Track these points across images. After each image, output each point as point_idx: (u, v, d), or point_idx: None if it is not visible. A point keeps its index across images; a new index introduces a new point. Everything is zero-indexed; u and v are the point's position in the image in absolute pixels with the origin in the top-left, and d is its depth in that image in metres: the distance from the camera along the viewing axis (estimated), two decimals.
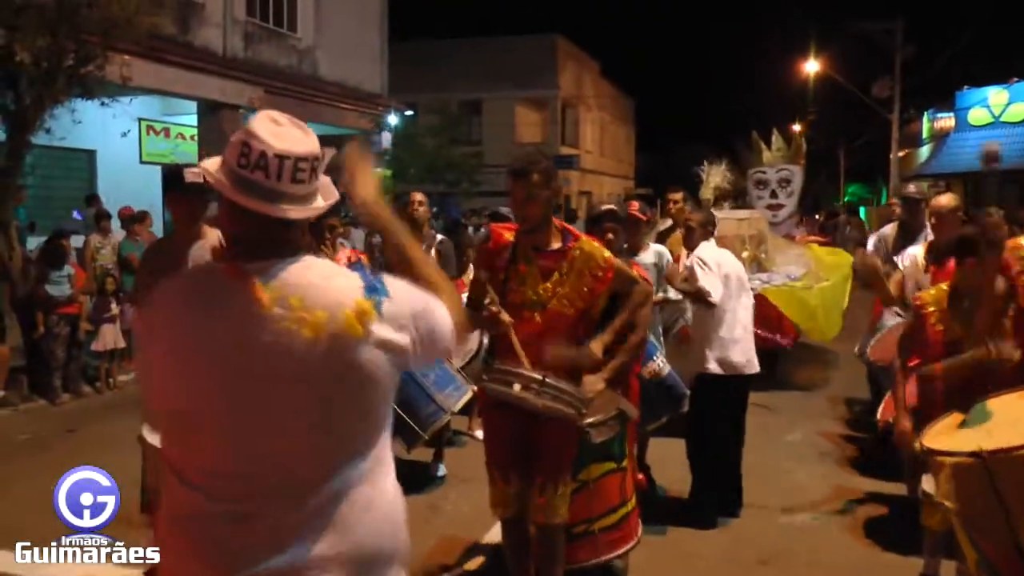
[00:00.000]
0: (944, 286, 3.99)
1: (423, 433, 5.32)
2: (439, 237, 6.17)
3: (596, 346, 3.62)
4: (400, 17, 24.78)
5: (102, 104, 9.95)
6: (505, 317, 3.47)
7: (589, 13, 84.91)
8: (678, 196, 7.41)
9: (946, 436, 3.14)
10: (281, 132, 1.75)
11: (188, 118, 17.41)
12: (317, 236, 5.33)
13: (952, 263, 5.01)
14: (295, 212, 1.75)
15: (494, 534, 4.93)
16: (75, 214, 13.72)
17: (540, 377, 3.26)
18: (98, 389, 9.08)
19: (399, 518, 1.88)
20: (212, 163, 1.80)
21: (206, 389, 1.73)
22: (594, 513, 3.94)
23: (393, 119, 23.11)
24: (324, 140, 1.91)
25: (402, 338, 1.80)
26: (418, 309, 1.85)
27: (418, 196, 6.15)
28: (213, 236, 3.62)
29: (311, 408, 1.73)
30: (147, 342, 1.82)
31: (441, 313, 1.91)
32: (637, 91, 51.39)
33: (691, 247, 5.36)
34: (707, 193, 10.12)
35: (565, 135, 37.27)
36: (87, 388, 9.04)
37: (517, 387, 3.28)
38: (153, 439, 3.45)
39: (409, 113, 25.65)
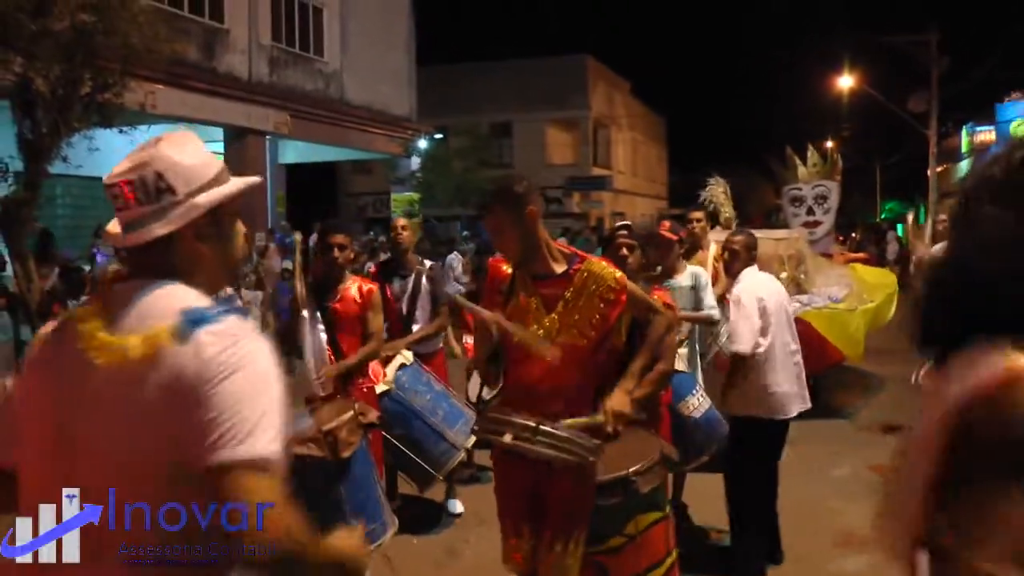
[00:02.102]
0: None
1: (437, 473, 5.07)
2: (428, 263, 6.02)
3: (620, 400, 3.18)
4: (428, 40, 24.80)
5: (120, 132, 9.85)
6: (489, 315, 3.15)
7: (618, 32, 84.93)
8: (700, 214, 7.09)
9: None
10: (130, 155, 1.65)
11: (215, 145, 17.34)
12: (322, 252, 5.00)
13: None
14: (130, 239, 1.63)
15: None
16: (99, 256, 13.50)
17: (534, 424, 2.87)
18: None
19: None
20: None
21: (36, 426, 1.58)
22: (641, 568, 3.53)
23: (422, 143, 23.03)
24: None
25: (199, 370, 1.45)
26: (235, 375, 1.45)
27: (401, 221, 6.12)
28: None
29: (112, 449, 1.50)
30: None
31: (275, 414, 1.46)
32: (669, 109, 50.93)
33: (733, 274, 4.94)
34: (728, 211, 9.66)
35: (597, 156, 37.06)
36: None
37: (508, 437, 2.92)
38: None
39: (438, 136, 25.60)
